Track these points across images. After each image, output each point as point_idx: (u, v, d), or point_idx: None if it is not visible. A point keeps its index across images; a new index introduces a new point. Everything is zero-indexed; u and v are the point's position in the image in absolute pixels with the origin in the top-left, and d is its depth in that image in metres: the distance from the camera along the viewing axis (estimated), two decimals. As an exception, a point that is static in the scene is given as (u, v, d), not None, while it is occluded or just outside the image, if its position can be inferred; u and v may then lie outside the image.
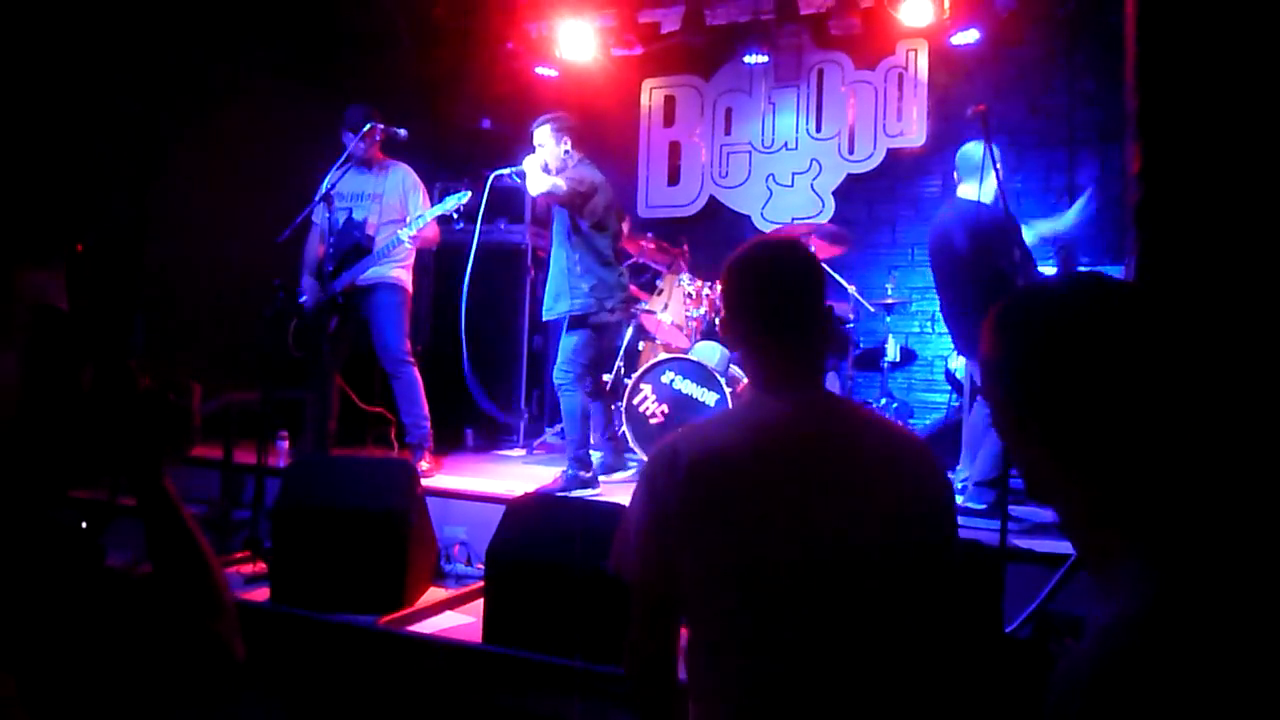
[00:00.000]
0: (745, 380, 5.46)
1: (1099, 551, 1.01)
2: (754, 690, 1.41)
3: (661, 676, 1.57)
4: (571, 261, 4.54)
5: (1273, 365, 1.34)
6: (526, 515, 3.30)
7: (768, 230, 6.88)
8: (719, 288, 1.60)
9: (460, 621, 3.46)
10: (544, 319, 4.78)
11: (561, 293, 4.56)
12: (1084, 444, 1.01)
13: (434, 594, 3.71)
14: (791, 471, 1.47)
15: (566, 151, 4.58)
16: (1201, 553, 0.93)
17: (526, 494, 3.53)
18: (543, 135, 4.58)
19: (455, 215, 4.77)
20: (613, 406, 5.42)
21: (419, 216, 4.74)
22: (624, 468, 5.20)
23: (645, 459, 1.61)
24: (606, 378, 5.34)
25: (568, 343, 4.59)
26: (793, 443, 1.50)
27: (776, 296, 1.59)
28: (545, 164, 4.53)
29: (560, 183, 4.41)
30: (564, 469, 4.52)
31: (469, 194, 4.71)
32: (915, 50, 6.64)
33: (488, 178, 4.62)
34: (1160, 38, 1.61)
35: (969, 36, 6.02)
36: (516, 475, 5.01)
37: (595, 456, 4.93)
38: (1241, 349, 1.33)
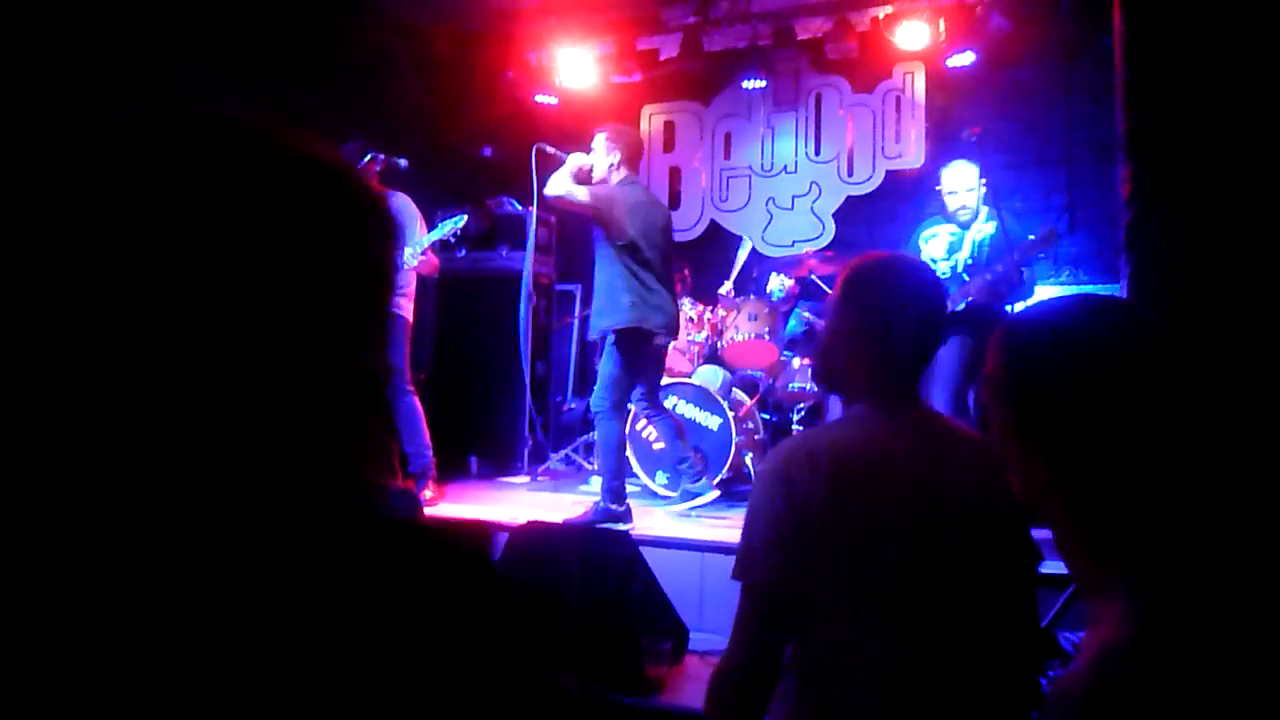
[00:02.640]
0: (748, 404, 5.45)
1: (1092, 575, 1.01)
2: (889, 677, 1.50)
3: (760, 705, 1.57)
4: (613, 276, 4.33)
5: (1265, 386, 1.34)
6: (528, 544, 3.30)
7: (769, 254, 6.90)
8: (837, 295, 1.69)
9: (464, 651, 3.44)
10: (589, 338, 4.58)
11: (604, 309, 4.36)
12: (1081, 466, 1.01)
13: (438, 624, 3.69)
14: (913, 475, 1.57)
15: (614, 165, 4.43)
16: (1192, 580, 0.93)
17: (532, 522, 3.51)
18: (597, 142, 4.47)
19: (454, 239, 4.79)
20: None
21: (417, 243, 4.77)
22: (705, 491, 4.62)
23: (767, 461, 1.64)
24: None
25: (606, 367, 4.36)
26: (911, 448, 1.61)
27: (918, 315, 1.68)
28: (591, 168, 4.41)
29: (579, 192, 4.26)
30: (596, 500, 4.31)
31: (465, 218, 4.73)
32: (912, 73, 6.67)
33: (533, 149, 4.45)
34: (1150, 61, 1.62)
35: (965, 59, 6.05)
36: (521, 502, 5.00)
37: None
38: (1231, 370, 1.33)
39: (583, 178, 4.38)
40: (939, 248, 4.67)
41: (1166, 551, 0.96)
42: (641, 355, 4.39)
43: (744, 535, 1.61)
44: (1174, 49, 1.59)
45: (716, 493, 4.66)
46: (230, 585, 0.65)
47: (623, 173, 4.46)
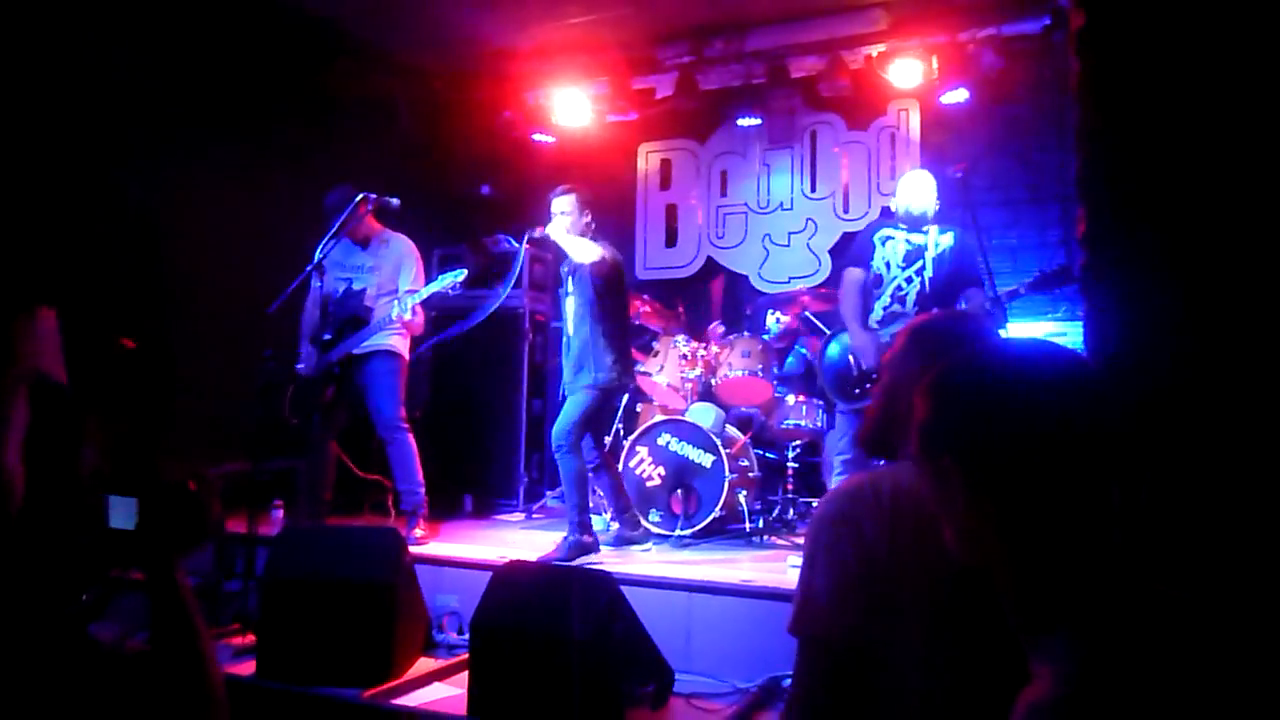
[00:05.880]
0: (741, 440, 5.43)
1: (1029, 624, 0.99)
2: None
3: None
4: (596, 334, 4.50)
5: (1217, 422, 1.33)
6: (512, 583, 3.27)
7: (765, 290, 6.91)
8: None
9: (448, 693, 3.40)
10: (565, 393, 4.66)
11: (585, 366, 4.49)
12: (1024, 522, 0.99)
13: (424, 664, 3.66)
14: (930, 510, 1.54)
15: (588, 223, 4.57)
16: (1126, 633, 0.91)
17: (514, 561, 3.49)
18: (567, 204, 4.53)
19: (452, 292, 4.80)
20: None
21: (410, 293, 4.76)
22: (642, 541, 4.83)
23: (828, 503, 1.58)
24: (607, 439, 5.13)
25: (574, 406, 4.47)
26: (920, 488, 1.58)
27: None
28: (569, 231, 4.50)
29: (606, 250, 4.43)
30: (565, 535, 4.38)
31: (464, 272, 4.71)
32: (906, 110, 6.71)
33: (523, 237, 4.57)
34: (1103, 101, 1.63)
35: (958, 96, 6.08)
36: (513, 541, 4.97)
37: (598, 521, 4.84)
38: (1184, 409, 1.32)
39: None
40: (896, 252, 4.49)
41: (1101, 604, 0.93)
42: (613, 406, 4.59)
43: (803, 584, 1.51)
44: (1127, 90, 1.59)
45: (651, 545, 4.79)
46: None
47: (591, 230, 4.60)
